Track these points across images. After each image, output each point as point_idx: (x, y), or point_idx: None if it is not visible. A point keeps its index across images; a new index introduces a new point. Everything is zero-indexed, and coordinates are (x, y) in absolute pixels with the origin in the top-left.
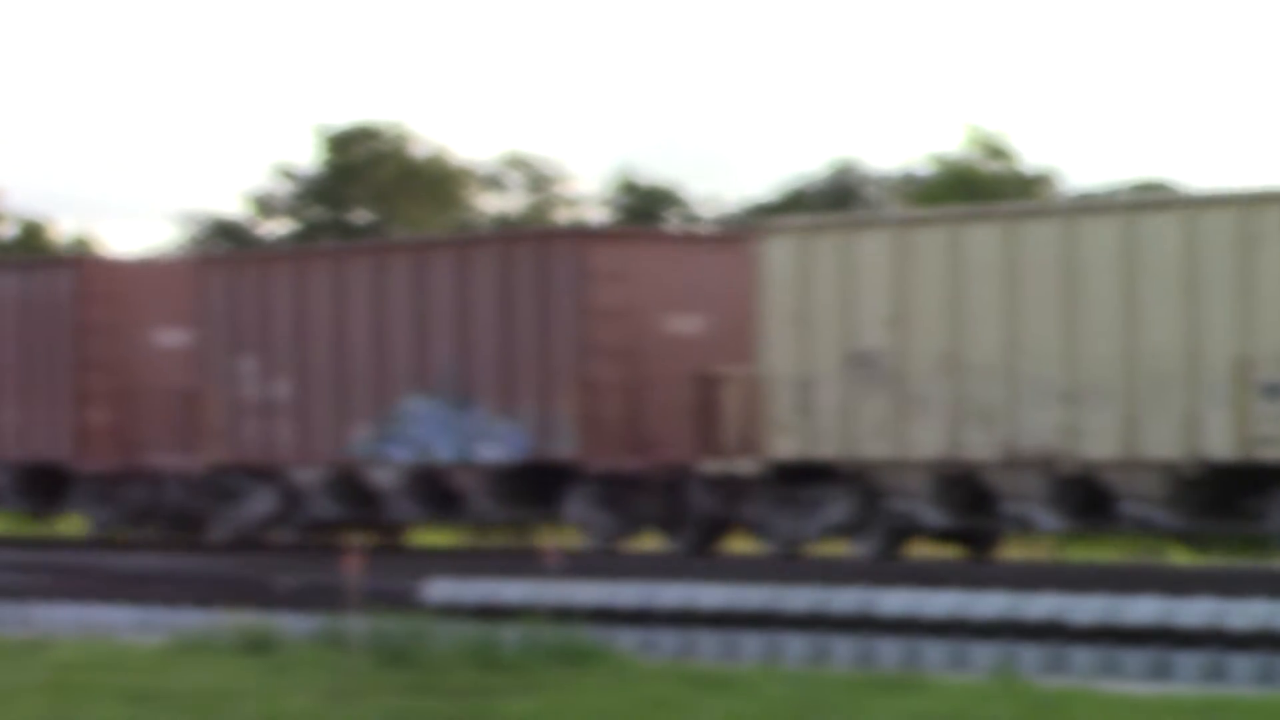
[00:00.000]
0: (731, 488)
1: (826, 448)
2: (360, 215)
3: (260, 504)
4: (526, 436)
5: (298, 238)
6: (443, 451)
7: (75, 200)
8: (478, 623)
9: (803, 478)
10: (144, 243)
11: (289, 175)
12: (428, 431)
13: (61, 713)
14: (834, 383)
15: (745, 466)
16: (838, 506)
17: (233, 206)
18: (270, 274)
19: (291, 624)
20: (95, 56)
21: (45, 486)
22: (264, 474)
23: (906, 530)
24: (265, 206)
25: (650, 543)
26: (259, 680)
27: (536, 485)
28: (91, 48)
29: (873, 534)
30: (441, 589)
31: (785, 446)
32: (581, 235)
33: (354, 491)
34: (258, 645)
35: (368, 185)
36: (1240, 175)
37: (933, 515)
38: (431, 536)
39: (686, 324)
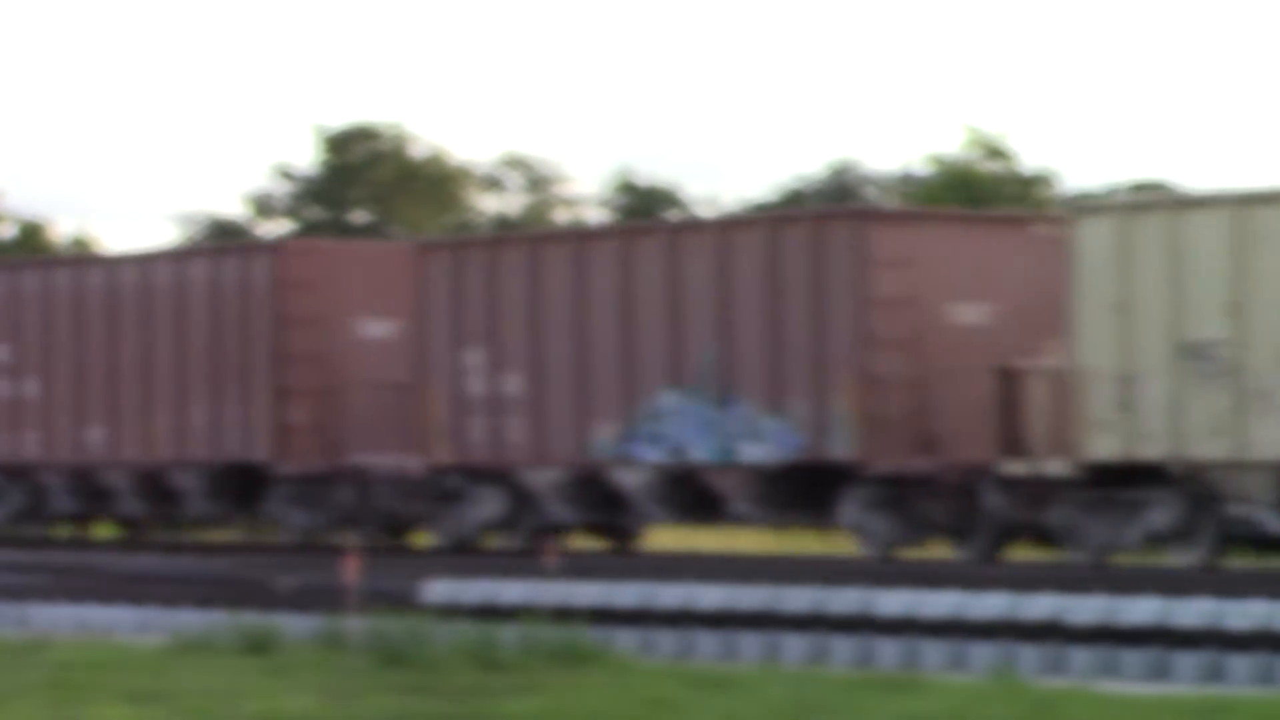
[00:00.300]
0: (1035, 491)
1: (1152, 448)
2: (359, 216)
3: (486, 508)
4: (797, 435)
5: (295, 238)
6: (700, 451)
7: (74, 201)
8: (477, 623)
9: (1121, 480)
10: (143, 244)
11: (287, 176)
12: (683, 430)
13: (61, 713)
14: (1161, 376)
15: (1055, 468)
16: (1163, 511)
17: (232, 207)
18: (500, 259)
19: (291, 624)
20: (94, 57)
21: (238, 490)
22: (491, 475)
23: (1240, 537)
24: (263, 207)
25: (935, 550)
26: (258, 681)
27: (806, 488)
28: (90, 49)
29: (1202, 541)
30: (441, 589)
31: (1103, 446)
32: (861, 216)
33: (594, 494)
34: (257, 646)
35: (366, 186)
36: (1237, 176)
37: (1277, 522)
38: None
39: (974, 313)
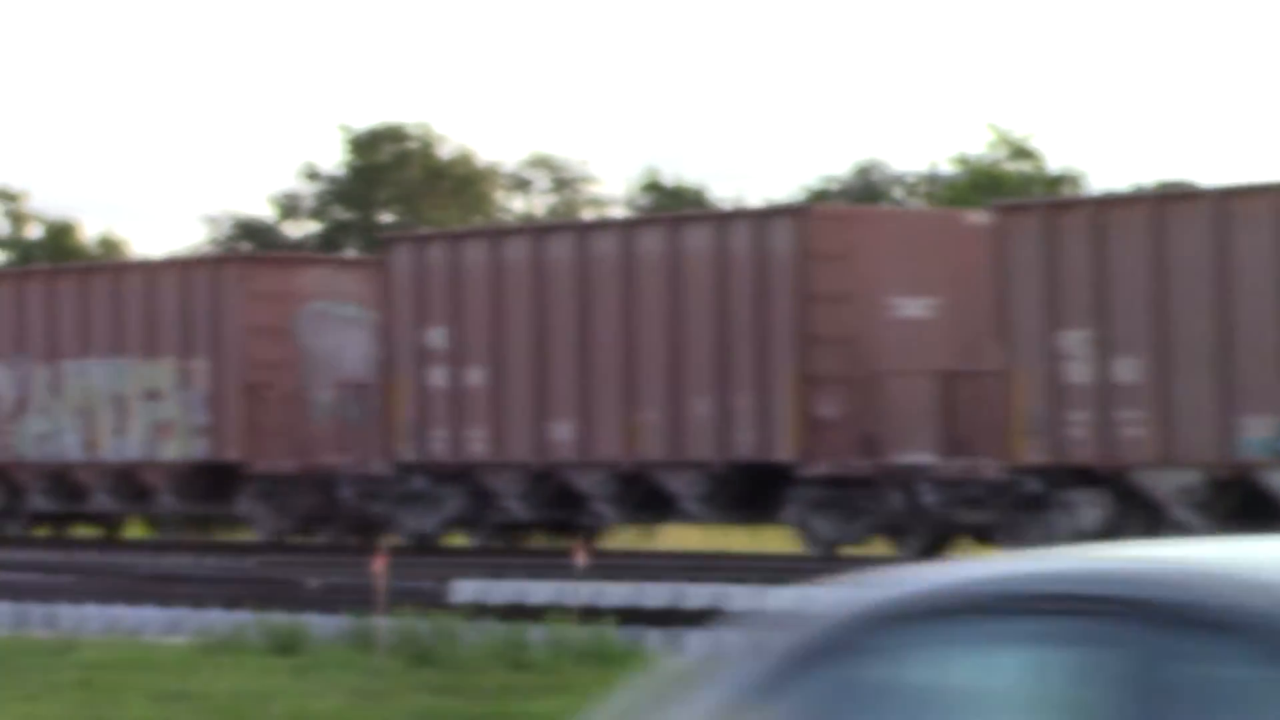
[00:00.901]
0: None
1: None
2: (385, 216)
3: (1083, 515)
4: None
5: (321, 238)
6: None
7: (101, 202)
8: (505, 623)
9: None
10: (170, 244)
11: (314, 176)
12: None
13: (91, 712)
14: None
15: None
16: None
17: (259, 208)
18: (1110, 224)
19: (319, 624)
20: (121, 58)
21: (739, 493)
22: (1092, 478)
23: None
24: (289, 208)
25: None
26: (287, 681)
27: None
28: (117, 49)
29: None
30: (469, 589)
31: None
32: None
33: (1237, 500)
34: (285, 646)
35: (393, 186)
36: (1264, 174)
37: None
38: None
39: None
